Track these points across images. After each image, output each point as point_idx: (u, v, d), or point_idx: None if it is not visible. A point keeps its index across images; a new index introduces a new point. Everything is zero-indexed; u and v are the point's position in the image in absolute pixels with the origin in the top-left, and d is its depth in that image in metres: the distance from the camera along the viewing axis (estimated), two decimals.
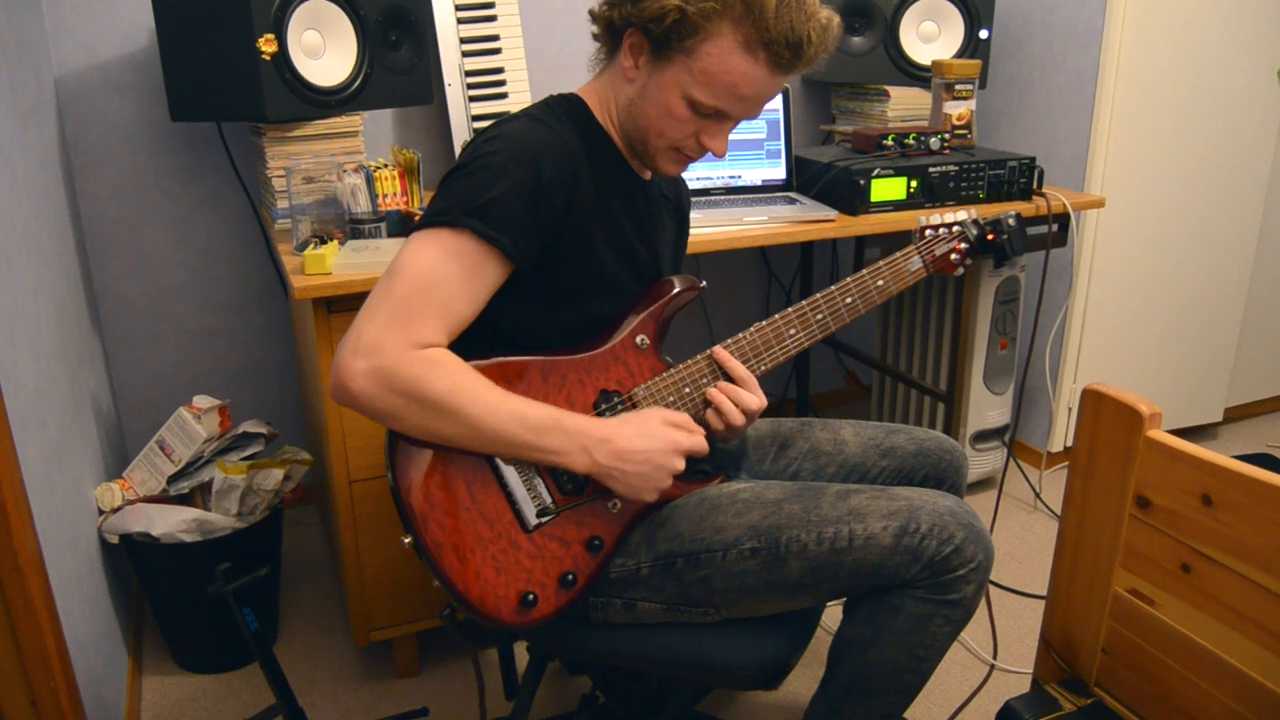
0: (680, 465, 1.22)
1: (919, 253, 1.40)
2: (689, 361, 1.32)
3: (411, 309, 1.14)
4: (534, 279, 1.24)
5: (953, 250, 1.41)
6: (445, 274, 1.15)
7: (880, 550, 1.20)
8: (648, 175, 1.36)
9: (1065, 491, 1.23)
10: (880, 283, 1.38)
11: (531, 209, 1.17)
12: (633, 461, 1.19)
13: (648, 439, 1.20)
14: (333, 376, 1.14)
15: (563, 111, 1.27)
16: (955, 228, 1.42)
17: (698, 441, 1.23)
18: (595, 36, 1.29)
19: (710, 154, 1.26)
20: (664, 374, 1.31)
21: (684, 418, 1.24)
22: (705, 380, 1.31)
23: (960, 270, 1.43)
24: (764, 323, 1.35)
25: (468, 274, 1.16)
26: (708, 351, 1.32)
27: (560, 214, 1.20)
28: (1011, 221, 1.43)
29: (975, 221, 1.43)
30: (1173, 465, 1.07)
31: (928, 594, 1.21)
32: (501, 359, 1.25)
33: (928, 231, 1.42)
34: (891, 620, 1.23)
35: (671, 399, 1.30)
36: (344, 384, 1.12)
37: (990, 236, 1.42)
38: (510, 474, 1.22)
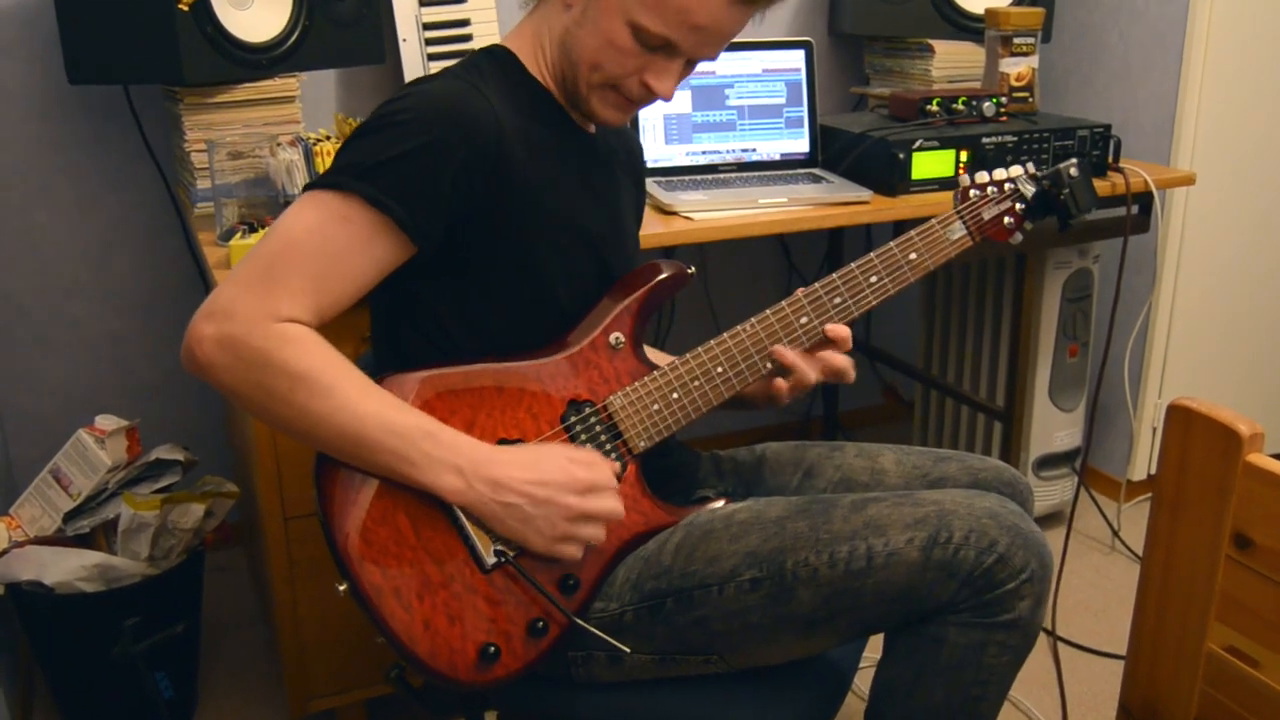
0: (581, 507, 1.19)
1: (960, 217, 1.40)
2: (674, 363, 1.32)
3: (275, 275, 1.16)
4: (471, 266, 1.26)
5: (1005, 213, 1.41)
6: (322, 241, 1.17)
7: (907, 568, 1.19)
8: (591, 128, 1.38)
9: (1149, 529, 1.23)
10: (913, 256, 1.37)
11: (435, 179, 1.19)
12: (511, 493, 1.17)
13: (535, 470, 1.19)
14: (184, 341, 1.17)
15: (488, 67, 1.29)
16: (1007, 185, 1.42)
17: (600, 475, 1.21)
18: None
19: (658, 98, 1.28)
20: (645, 379, 1.31)
21: (591, 455, 1.24)
22: (696, 384, 1.31)
23: (1017, 237, 1.43)
24: (769, 311, 1.34)
25: (352, 245, 1.18)
26: (695, 351, 1.32)
27: (480, 189, 1.22)
28: (1074, 171, 1.41)
29: (1032, 176, 1.43)
30: (1279, 496, 1.07)
31: (974, 617, 1.19)
32: (444, 368, 1.26)
33: (972, 191, 1.42)
34: (935, 656, 1.22)
35: (656, 407, 1.31)
36: (190, 349, 1.16)
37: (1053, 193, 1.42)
38: None
